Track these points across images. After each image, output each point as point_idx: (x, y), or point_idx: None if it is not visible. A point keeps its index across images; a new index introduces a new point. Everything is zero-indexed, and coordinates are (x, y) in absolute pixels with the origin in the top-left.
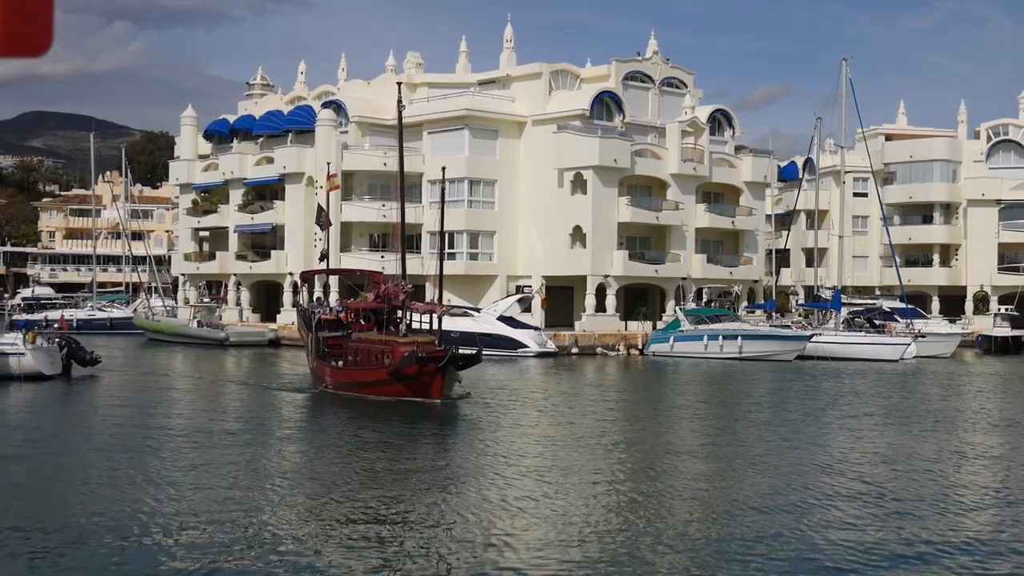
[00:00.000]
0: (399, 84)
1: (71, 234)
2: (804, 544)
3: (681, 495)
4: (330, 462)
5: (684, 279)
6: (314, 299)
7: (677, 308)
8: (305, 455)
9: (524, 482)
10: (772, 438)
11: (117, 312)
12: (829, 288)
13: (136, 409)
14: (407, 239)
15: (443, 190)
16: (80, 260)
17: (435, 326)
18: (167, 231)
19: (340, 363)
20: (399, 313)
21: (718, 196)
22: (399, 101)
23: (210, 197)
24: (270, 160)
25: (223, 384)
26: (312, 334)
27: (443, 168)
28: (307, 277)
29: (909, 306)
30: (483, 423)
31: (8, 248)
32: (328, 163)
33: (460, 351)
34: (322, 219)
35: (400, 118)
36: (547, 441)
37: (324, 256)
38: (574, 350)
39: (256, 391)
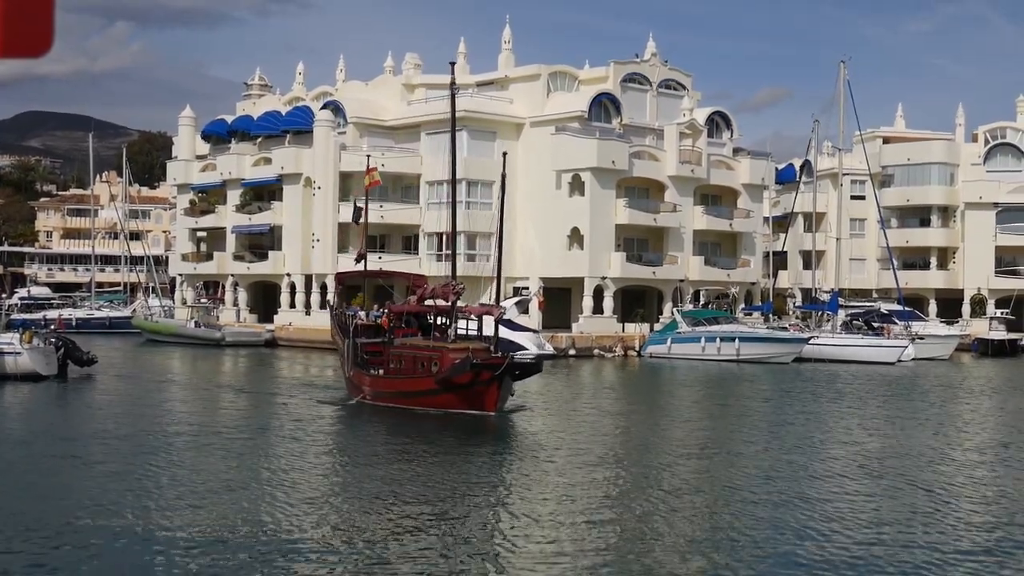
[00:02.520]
0: (451, 64)
1: (68, 234)
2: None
3: (697, 500)
4: (371, 479)
5: (682, 281)
6: (345, 304)
7: (674, 310)
8: (341, 470)
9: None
10: (790, 443)
11: (115, 312)
12: (826, 291)
13: (140, 414)
14: (408, 241)
15: (504, 181)
16: (77, 260)
17: (485, 331)
18: (164, 231)
19: (380, 372)
20: (441, 318)
21: (716, 198)
22: (452, 82)
23: (208, 197)
24: (268, 161)
25: (241, 391)
26: (349, 340)
27: (504, 153)
28: (343, 279)
29: (906, 308)
30: (529, 434)
31: (5, 248)
32: (368, 155)
33: (518, 358)
34: (359, 217)
35: (453, 100)
36: (584, 453)
37: (362, 257)
38: (571, 352)
39: (277, 399)
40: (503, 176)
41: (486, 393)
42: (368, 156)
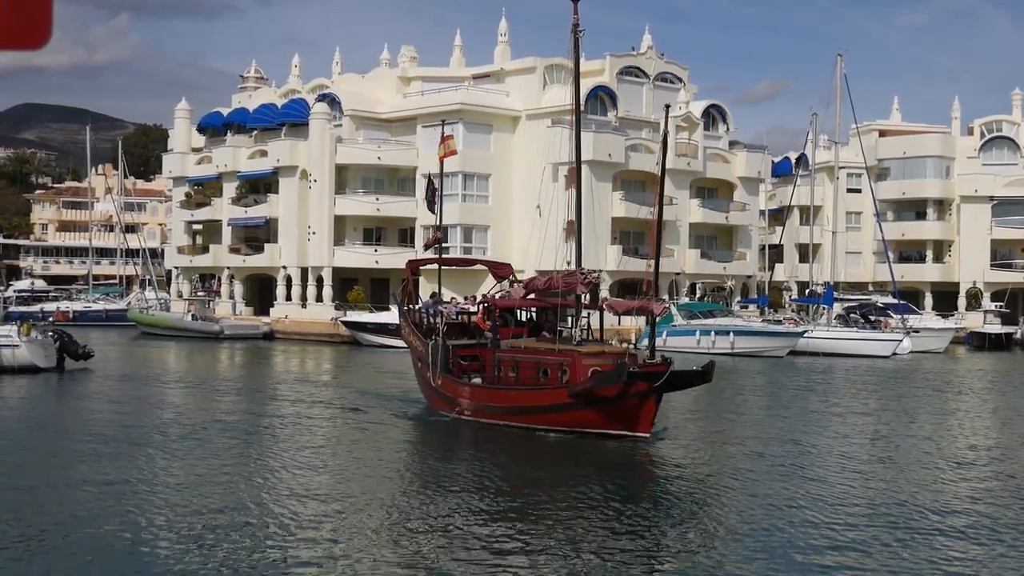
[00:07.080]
0: (574, 2)
1: (64, 226)
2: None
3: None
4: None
5: (677, 274)
6: (430, 296)
7: (670, 303)
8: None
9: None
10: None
11: (112, 305)
12: (822, 284)
13: (160, 412)
14: (404, 234)
15: (664, 152)
16: (73, 253)
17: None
18: (160, 224)
19: (480, 380)
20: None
21: (712, 191)
22: (575, 25)
23: (203, 190)
24: (264, 153)
25: (294, 392)
26: (437, 341)
27: (664, 120)
28: (415, 268)
29: (901, 302)
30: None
31: (0, 240)
32: (443, 121)
33: (678, 367)
34: (430, 195)
35: (576, 49)
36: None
37: (436, 242)
38: None
39: (328, 406)
40: (664, 147)
41: (640, 409)
42: (443, 122)
